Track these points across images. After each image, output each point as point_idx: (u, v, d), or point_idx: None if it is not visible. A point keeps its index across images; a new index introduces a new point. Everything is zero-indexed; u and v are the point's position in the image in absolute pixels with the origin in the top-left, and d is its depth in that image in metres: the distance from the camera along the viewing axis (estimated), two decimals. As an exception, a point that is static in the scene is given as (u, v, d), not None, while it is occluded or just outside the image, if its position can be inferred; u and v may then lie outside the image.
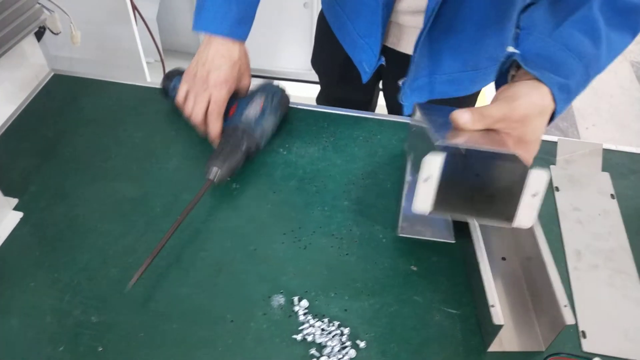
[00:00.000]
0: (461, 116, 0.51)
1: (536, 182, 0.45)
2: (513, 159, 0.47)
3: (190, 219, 0.60)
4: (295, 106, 0.77)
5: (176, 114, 0.73)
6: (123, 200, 0.64)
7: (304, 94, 2.17)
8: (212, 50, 0.67)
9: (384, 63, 0.80)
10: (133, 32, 1.18)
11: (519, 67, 0.55)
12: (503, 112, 0.50)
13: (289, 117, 0.75)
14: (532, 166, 0.45)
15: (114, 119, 0.74)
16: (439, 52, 0.76)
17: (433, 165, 0.45)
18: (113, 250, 0.58)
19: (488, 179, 0.53)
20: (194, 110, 0.67)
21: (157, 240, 0.58)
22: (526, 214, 0.47)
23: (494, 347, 0.51)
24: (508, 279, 0.57)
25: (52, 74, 0.82)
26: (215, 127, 0.67)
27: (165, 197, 0.64)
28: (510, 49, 0.56)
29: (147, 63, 2.01)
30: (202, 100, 0.66)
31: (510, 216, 0.48)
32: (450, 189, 0.50)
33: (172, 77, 0.74)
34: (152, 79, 1.74)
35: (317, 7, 1.87)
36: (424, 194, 0.47)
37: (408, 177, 0.62)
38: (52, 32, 1.02)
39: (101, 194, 0.64)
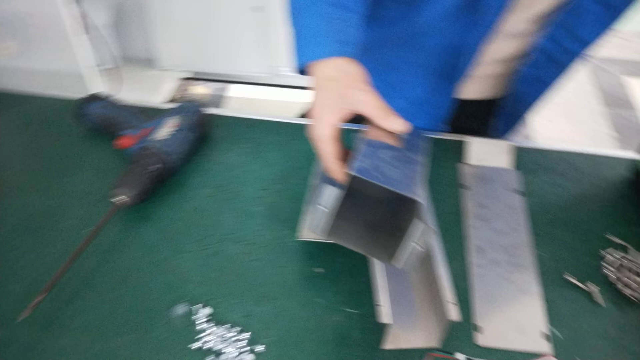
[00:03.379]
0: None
1: (417, 230, 0.47)
2: (411, 202, 0.48)
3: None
4: (215, 112, 0.77)
5: (94, 128, 0.73)
6: (34, 214, 0.63)
7: (266, 96, 2.18)
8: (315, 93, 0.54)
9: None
10: (69, 41, 1.17)
11: None
12: None
13: (209, 123, 0.75)
14: (420, 217, 0.47)
15: (32, 131, 0.74)
16: None
17: (329, 196, 0.47)
18: (18, 265, 0.58)
19: (384, 212, 0.55)
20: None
21: (64, 253, 0.58)
22: (404, 258, 0.49)
23: (389, 345, 0.52)
24: (413, 275, 0.58)
25: (-30, 87, 0.81)
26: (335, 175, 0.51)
27: (76, 210, 0.64)
28: None
29: (105, 70, 1.99)
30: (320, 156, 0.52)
31: (390, 254, 0.51)
32: (348, 216, 0.52)
33: (88, 103, 0.72)
34: (109, 85, 1.74)
35: (272, 11, 1.88)
36: (320, 220, 0.48)
37: (313, 181, 0.63)
38: (-22, 45, 1.01)
39: (11, 208, 0.64)
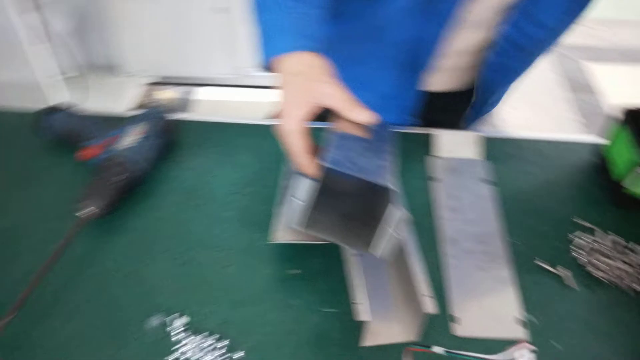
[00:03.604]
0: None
1: (392, 217, 0.47)
2: (384, 191, 0.48)
3: (65, 246, 0.59)
4: (182, 117, 0.76)
5: (56, 140, 0.71)
6: (-5, 233, 0.61)
7: (234, 98, 2.16)
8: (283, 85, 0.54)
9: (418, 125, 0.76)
10: (24, 51, 1.13)
11: None
12: None
13: (176, 129, 0.74)
14: (394, 204, 0.47)
15: (-10, 147, 0.71)
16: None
17: (304, 189, 0.46)
18: (-19, 287, 0.56)
19: (358, 203, 0.55)
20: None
21: (31, 271, 0.56)
22: (382, 244, 0.49)
23: (368, 342, 0.52)
24: (389, 270, 0.59)
25: None
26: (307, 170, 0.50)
27: (41, 226, 0.62)
28: None
29: (69, 78, 1.93)
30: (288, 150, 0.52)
31: (367, 243, 0.50)
32: (323, 208, 0.52)
33: (48, 115, 0.69)
34: (74, 94, 1.70)
35: (236, 12, 1.86)
36: (296, 213, 0.48)
37: (284, 182, 0.62)
38: None
39: (-29, 228, 0.61)
